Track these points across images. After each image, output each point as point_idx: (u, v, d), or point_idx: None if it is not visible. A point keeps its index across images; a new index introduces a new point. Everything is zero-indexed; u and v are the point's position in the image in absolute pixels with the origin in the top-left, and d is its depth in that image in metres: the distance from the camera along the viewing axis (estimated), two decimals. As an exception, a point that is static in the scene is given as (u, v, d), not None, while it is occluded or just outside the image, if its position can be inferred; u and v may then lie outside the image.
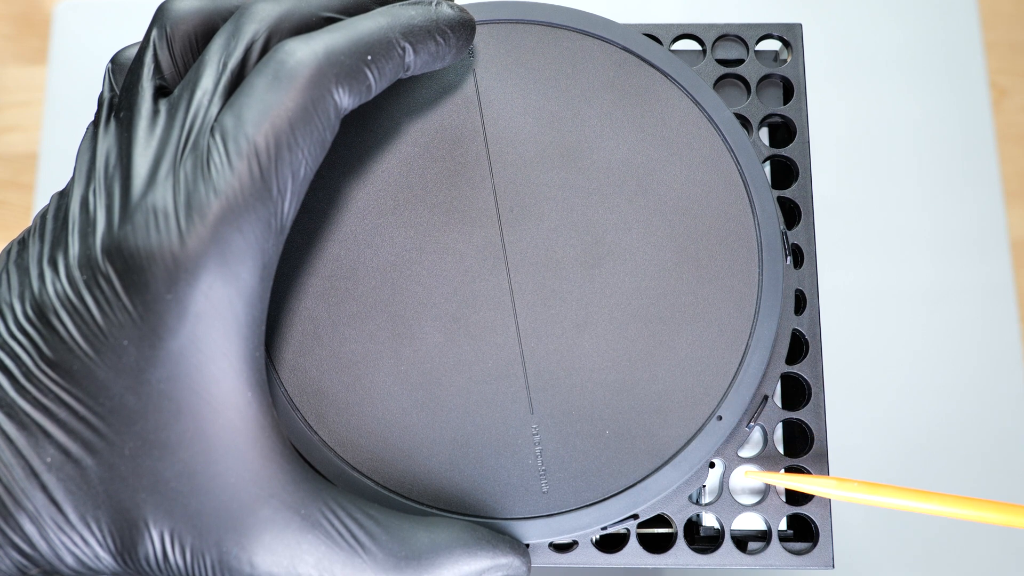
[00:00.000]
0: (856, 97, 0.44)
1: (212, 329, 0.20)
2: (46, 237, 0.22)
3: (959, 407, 0.41)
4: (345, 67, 0.21)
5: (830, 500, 0.26)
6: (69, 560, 0.21)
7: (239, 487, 0.21)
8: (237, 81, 0.21)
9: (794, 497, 0.28)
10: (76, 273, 0.20)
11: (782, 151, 0.29)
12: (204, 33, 0.23)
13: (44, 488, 0.20)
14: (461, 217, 0.26)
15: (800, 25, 0.29)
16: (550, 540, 0.25)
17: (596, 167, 0.27)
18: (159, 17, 0.23)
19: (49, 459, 0.20)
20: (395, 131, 0.27)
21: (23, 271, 0.21)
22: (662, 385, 0.25)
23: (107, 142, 0.22)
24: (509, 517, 0.25)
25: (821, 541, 0.26)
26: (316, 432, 0.25)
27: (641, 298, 0.26)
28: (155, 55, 0.22)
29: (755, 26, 0.29)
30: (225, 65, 0.21)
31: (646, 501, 0.25)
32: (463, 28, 0.24)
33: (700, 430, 0.25)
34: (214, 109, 0.21)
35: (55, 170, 0.49)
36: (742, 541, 0.27)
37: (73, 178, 0.22)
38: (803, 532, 0.27)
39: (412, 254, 0.26)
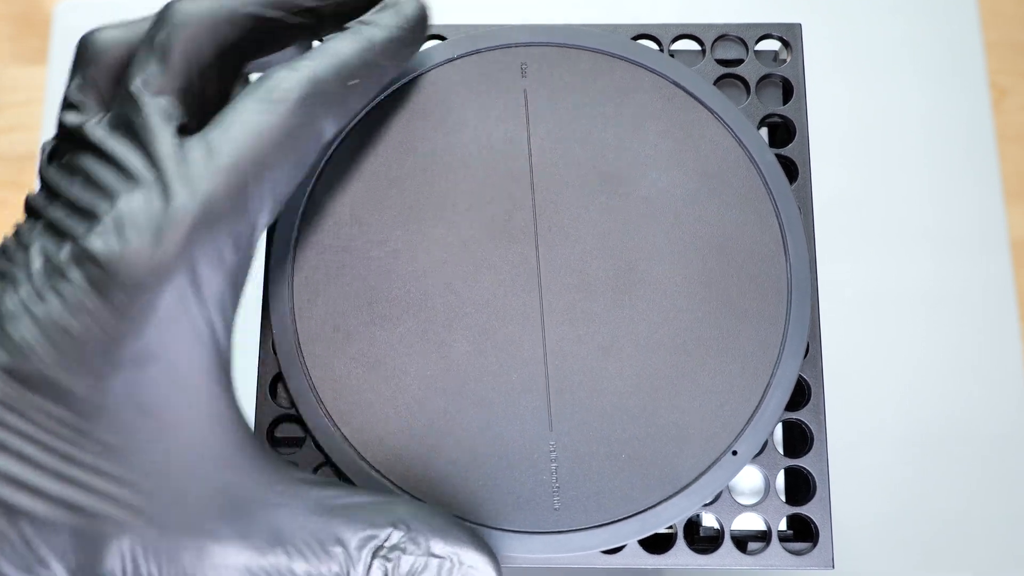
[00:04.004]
0: (856, 97, 0.44)
1: (179, 333, 0.20)
2: (12, 251, 0.21)
3: (959, 407, 0.41)
4: (329, 94, 0.22)
5: (830, 501, 0.26)
6: None
7: (210, 477, 0.21)
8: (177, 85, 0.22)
9: (794, 497, 0.28)
10: (42, 280, 0.20)
11: (782, 151, 0.29)
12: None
13: None
14: (499, 232, 0.27)
15: (799, 25, 0.29)
16: (557, 555, 0.25)
17: (635, 195, 0.27)
18: (81, 51, 0.23)
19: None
20: (442, 141, 0.28)
21: None
22: (681, 415, 0.26)
23: (70, 164, 0.22)
24: (519, 530, 0.25)
25: (821, 541, 0.26)
26: (338, 427, 0.26)
27: (668, 328, 0.26)
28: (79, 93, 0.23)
29: (754, 26, 0.29)
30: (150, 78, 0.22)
31: (655, 527, 0.25)
32: (423, 20, 0.25)
33: (714, 463, 0.25)
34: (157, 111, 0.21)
35: (55, 170, 0.49)
36: (742, 541, 0.27)
37: (35, 195, 0.22)
38: (803, 532, 0.27)
39: (448, 264, 0.27)
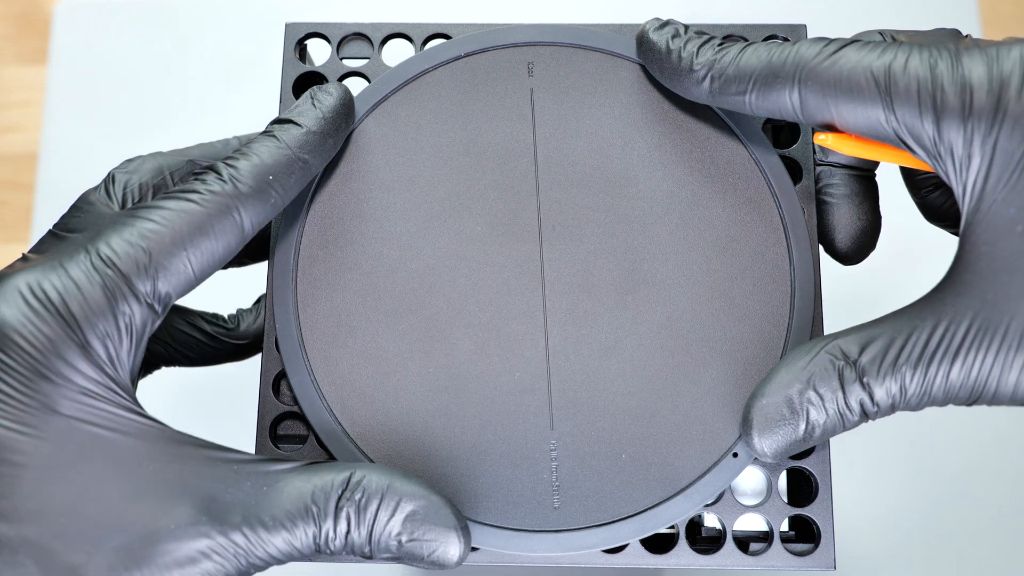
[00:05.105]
0: (857, 99, 0.44)
1: (77, 376, 0.23)
2: None
3: (960, 406, 0.41)
4: (247, 189, 0.24)
5: (832, 502, 0.26)
6: None
7: (160, 473, 0.22)
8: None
9: (796, 498, 0.28)
10: None
11: (786, 152, 0.29)
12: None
13: None
14: (504, 230, 0.27)
15: (804, 26, 0.29)
16: (556, 554, 0.25)
17: (640, 196, 0.27)
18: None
19: None
20: (449, 140, 0.28)
21: None
22: (682, 416, 0.26)
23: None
24: (518, 528, 0.25)
25: (823, 542, 0.26)
26: (339, 422, 0.26)
27: (671, 329, 0.26)
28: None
29: (759, 27, 0.29)
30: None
31: (654, 528, 0.25)
32: (346, 108, 0.27)
33: (715, 465, 0.25)
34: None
35: (55, 170, 0.49)
36: (744, 542, 0.27)
37: None
38: (805, 533, 0.27)
39: (452, 261, 0.27)
